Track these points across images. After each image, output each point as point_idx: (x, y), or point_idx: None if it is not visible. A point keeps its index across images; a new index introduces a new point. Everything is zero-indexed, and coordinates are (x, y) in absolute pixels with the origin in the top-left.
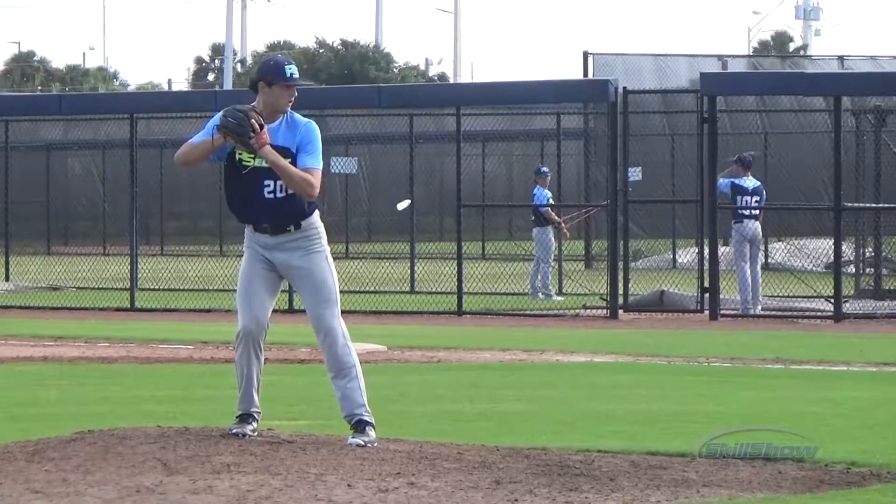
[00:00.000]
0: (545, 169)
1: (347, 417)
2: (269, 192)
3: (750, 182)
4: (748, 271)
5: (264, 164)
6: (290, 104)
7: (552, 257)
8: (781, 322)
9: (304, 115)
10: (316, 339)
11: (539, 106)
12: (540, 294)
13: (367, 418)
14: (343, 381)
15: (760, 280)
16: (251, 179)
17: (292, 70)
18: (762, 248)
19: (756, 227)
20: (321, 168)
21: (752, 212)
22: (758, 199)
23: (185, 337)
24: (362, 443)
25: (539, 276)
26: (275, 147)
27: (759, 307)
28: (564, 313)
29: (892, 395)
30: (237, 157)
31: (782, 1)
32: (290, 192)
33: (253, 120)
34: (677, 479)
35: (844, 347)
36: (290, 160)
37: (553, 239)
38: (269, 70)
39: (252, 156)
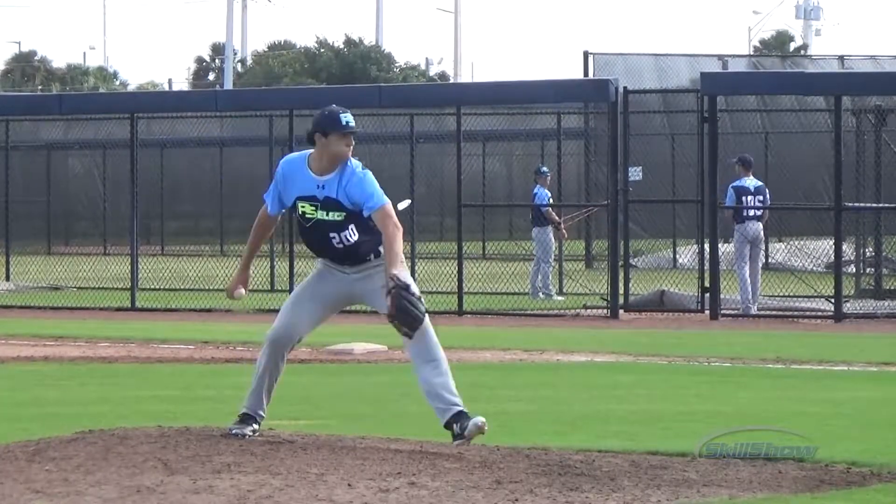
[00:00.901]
0: (545, 169)
1: (442, 410)
2: (336, 243)
3: (751, 181)
4: (748, 273)
5: (326, 218)
6: (349, 151)
7: (552, 257)
8: (782, 322)
9: (305, 115)
10: (403, 343)
11: (539, 106)
12: (540, 294)
13: (464, 409)
14: (431, 373)
15: (760, 280)
16: (317, 230)
17: (348, 118)
18: (763, 248)
19: (758, 227)
20: (386, 201)
21: (756, 212)
22: (761, 198)
23: (186, 337)
24: (479, 425)
25: (539, 276)
26: (328, 199)
27: (756, 307)
28: (565, 313)
29: (892, 395)
30: (300, 209)
31: (782, 1)
32: (357, 238)
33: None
34: (678, 478)
35: (845, 347)
36: (343, 213)
37: (553, 239)
38: (324, 120)
39: (314, 209)
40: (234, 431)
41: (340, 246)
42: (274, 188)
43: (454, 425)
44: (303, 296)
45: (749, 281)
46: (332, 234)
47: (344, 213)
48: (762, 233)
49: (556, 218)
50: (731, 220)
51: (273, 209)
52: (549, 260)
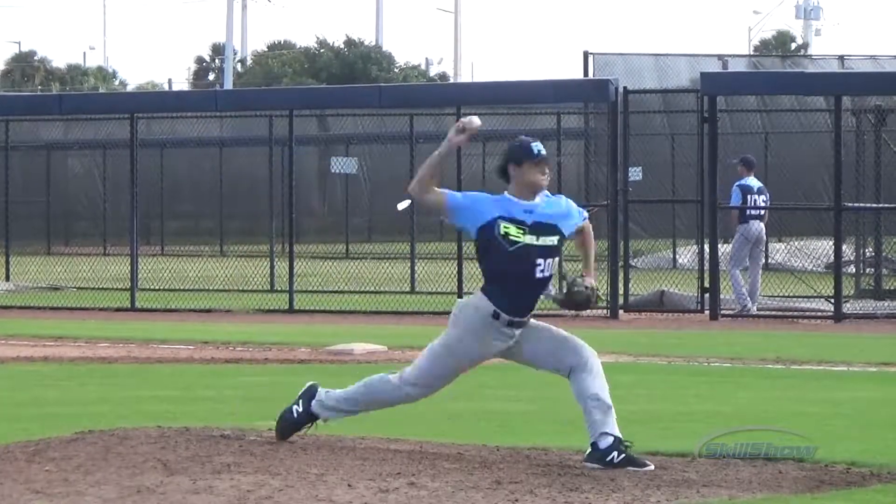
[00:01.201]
0: None
1: (601, 422)
2: (540, 272)
3: (754, 181)
4: (739, 275)
5: (536, 242)
6: (546, 181)
7: None
8: (782, 322)
9: (305, 115)
10: (578, 381)
11: (539, 105)
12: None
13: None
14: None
15: (760, 280)
16: (520, 257)
17: (539, 147)
18: (763, 248)
19: (761, 227)
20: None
21: (759, 212)
22: (764, 198)
23: (186, 337)
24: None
25: None
26: (538, 224)
27: (756, 306)
28: (565, 313)
29: (892, 396)
30: (502, 230)
31: (782, 0)
32: (551, 271)
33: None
34: (677, 479)
35: (845, 347)
36: (557, 237)
37: None
38: (516, 152)
39: (522, 231)
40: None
41: (541, 276)
42: (464, 200)
43: (613, 452)
44: (461, 366)
45: (741, 281)
46: (538, 262)
47: (558, 238)
48: (764, 232)
49: None
50: (735, 219)
51: (451, 198)
52: None
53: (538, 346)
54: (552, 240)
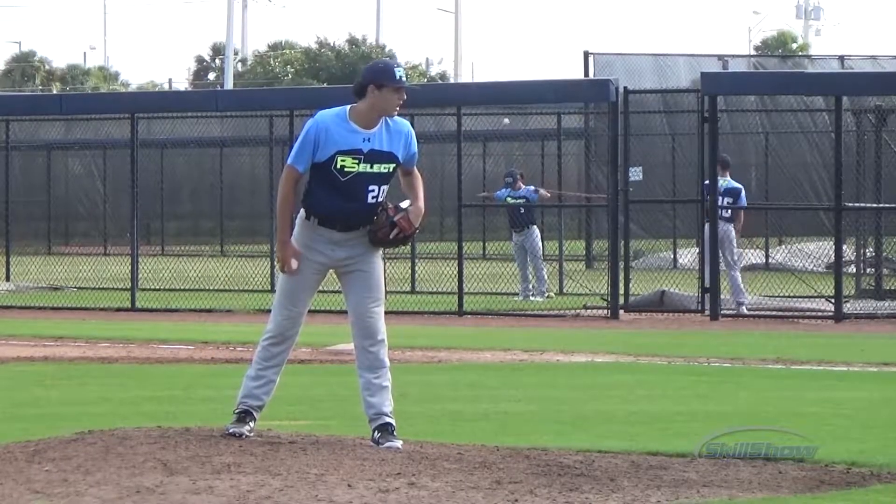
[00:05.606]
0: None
1: (374, 417)
2: (372, 198)
3: (725, 181)
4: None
5: (369, 169)
6: (398, 108)
7: (542, 257)
8: (782, 322)
9: (306, 115)
10: (354, 336)
11: (539, 106)
12: (531, 296)
13: (393, 422)
14: (376, 381)
15: (739, 281)
16: (353, 184)
17: (401, 73)
18: (731, 249)
19: (727, 228)
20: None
21: (724, 213)
22: (730, 199)
23: (186, 337)
24: (398, 446)
25: (533, 276)
26: (380, 152)
27: (744, 307)
28: (565, 313)
29: (892, 396)
30: (339, 163)
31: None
32: (384, 195)
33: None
34: (677, 479)
35: (845, 347)
36: (393, 165)
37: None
38: (379, 73)
39: (357, 161)
40: (231, 431)
41: (374, 201)
42: (307, 146)
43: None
44: (298, 288)
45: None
46: (371, 188)
47: (393, 165)
48: (730, 233)
49: (547, 194)
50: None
51: (303, 167)
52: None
53: (355, 285)
54: (388, 167)
